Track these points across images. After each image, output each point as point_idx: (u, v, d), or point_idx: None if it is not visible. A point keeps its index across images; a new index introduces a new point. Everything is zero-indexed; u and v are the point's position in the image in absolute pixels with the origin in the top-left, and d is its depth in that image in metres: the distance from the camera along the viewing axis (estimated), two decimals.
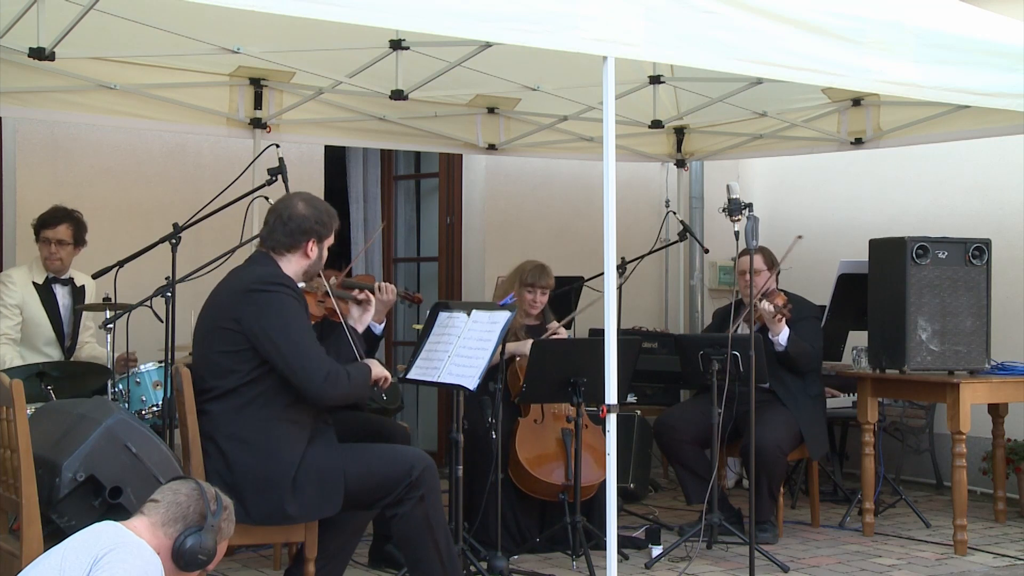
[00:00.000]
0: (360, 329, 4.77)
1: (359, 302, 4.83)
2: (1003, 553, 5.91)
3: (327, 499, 4.19)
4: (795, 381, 6.27)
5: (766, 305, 6.06)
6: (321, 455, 4.22)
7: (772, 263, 6.33)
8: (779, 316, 6.07)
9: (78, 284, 5.97)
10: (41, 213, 5.89)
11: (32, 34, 4.75)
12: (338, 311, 4.75)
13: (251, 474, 4.13)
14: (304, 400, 4.22)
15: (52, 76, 5.97)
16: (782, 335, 6.15)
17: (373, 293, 5.20)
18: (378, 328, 5.36)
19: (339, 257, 9.13)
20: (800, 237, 6.06)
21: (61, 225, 5.83)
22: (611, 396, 4.29)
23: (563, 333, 6.04)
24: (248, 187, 5.35)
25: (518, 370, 5.69)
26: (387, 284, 5.20)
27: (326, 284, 4.68)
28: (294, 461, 4.15)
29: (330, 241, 4.45)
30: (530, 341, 5.68)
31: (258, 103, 6.70)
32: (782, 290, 6.33)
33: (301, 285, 4.75)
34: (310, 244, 4.36)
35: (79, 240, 5.89)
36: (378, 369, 4.45)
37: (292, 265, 4.35)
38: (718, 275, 8.83)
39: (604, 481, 5.69)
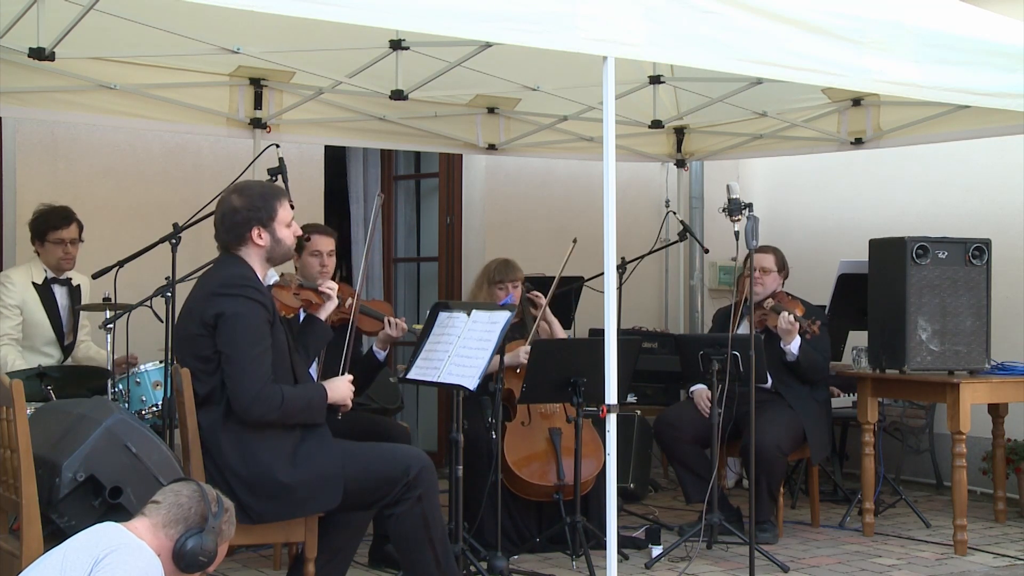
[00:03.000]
0: (323, 317, 4.68)
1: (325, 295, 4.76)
2: (1003, 553, 5.91)
3: (325, 495, 4.16)
4: (801, 384, 6.26)
5: (786, 316, 6.02)
6: (315, 452, 4.19)
7: (783, 266, 6.32)
8: (802, 330, 6.02)
9: (75, 283, 5.98)
10: (43, 215, 5.86)
11: (32, 34, 4.75)
12: (313, 302, 4.74)
13: (243, 475, 4.11)
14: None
15: (52, 76, 5.96)
16: (794, 344, 6.12)
17: (383, 322, 5.37)
18: (381, 355, 5.40)
19: (340, 257, 9.13)
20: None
21: (72, 224, 5.86)
22: (611, 396, 4.29)
23: (552, 323, 6.06)
24: None
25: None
26: (400, 320, 5.31)
27: (298, 278, 4.64)
28: (283, 460, 4.12)
29: (283, 216, 4.26)
30: (522, 349, 5.70)
31: (258, 103, 6.69)
32: (789, 294, 6.30)
33: (274, 279, 4.76)
34: (255, 232, 4.24)
35: (81, 238, 5.92)
36: (340, 392, 4.34)
37: (252, 258, 4.27)
38: (718, 275, 8.83)
39: (600, 476, 5.71)
